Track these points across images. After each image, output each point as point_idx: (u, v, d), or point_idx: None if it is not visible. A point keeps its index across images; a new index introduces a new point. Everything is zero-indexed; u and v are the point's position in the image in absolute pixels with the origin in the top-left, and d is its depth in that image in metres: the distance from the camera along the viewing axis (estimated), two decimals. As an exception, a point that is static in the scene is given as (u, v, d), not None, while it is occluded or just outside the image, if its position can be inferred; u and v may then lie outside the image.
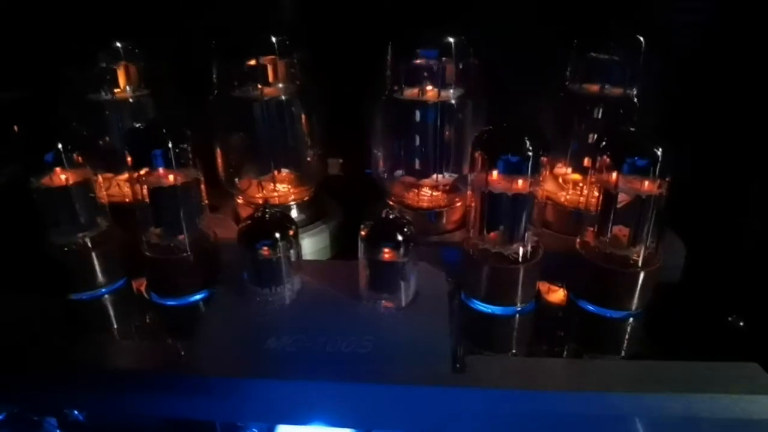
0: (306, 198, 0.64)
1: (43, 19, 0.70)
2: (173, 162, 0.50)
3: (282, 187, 0.64)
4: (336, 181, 0.77)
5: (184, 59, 0.64)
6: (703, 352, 0.45)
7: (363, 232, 0.48)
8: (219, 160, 0.63)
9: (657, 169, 0.46)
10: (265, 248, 0.47)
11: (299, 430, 0.46)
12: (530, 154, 0.46)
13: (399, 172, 0.62)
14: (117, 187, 0.65)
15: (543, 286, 0.55)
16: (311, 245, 0.63)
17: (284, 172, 0.63)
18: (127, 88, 0.62)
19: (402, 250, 0.47)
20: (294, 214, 0.64)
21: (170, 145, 0.50)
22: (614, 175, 0.48)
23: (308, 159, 0.64)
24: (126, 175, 0.64)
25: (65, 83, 0.62)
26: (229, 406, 0.45)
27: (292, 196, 0.64)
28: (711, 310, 0.52)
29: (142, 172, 0.51)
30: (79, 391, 0.47)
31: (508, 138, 0.48)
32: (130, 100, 0.62)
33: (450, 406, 0.42)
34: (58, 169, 0.52)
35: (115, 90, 0.62)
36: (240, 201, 0.64)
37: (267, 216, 0.48)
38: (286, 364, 0.44)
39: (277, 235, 0.48)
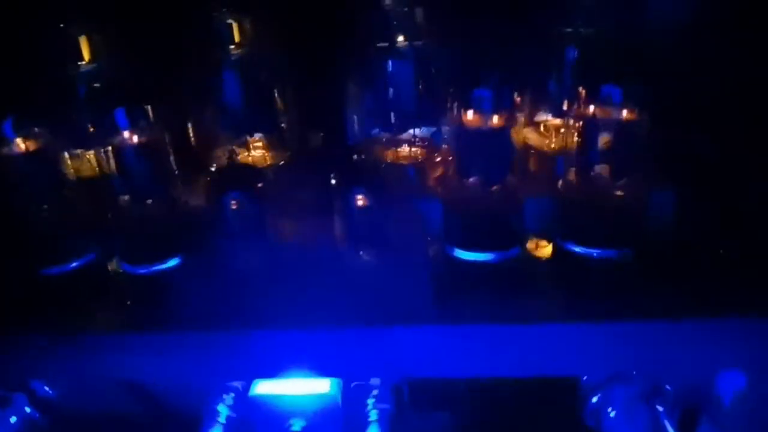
0: (281, 161, 0.63)
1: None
2: (135, 122, 0.49)
3: (256, 153, 0.62)
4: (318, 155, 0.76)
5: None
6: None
7: (335, 179, 0.47)
8: (190, 130, 0.61)
9: (634, 99, 0.45)
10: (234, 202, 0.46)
11: (281, 383, 0.44)
12: (504, 88, 0.45)
13: (375, 131, 0.61)
14: (87, 163, 0.63)
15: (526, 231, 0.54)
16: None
17: (257, 137, 0.62)
18: (89, 58, 0.61)
19: (381, 202, 0.45)
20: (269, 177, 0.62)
21: (131, 103, 0.48)
22: (591, 107, 0.47)
23: (282, 124, 0.62)
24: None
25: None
26: (203, 364, 0.43)
27: (268, 161, 0.62)
28: (702, 245, 0.50)
29: (106, 136, 0.49)
30: (48, 359, 0.46)
31: (481, 75, 0.46)
32: (90, 69, 0.60)
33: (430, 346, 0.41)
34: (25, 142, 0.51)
35: (78, 61, 0.60)
36: (213, 169, 0.62)
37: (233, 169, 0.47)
38: (262, 315, 0.43)
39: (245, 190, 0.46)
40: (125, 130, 0.49)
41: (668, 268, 0.48)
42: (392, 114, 0.59)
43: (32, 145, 0.51)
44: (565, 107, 0.54)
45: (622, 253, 0.49)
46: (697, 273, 0.47)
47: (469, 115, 0.47)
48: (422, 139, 0.59)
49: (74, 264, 0.54)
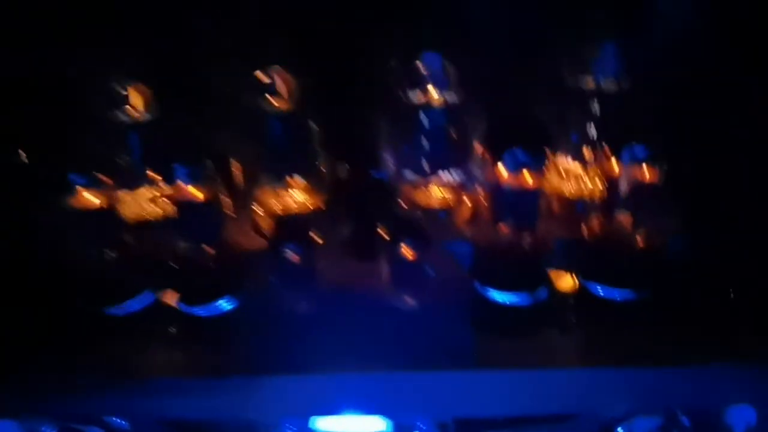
0: (320, 205, 0.67)
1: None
2: (197, 177, 0.53)
3: (296, 195, 0.67)
4: (343, 184, 0.80)
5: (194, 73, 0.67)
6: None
7: (384, 233, 0.51)
8: (234, 171, 0.66)
9: (651, 157, 0.49)
10: (293, 254, 0.50)
11: (333, 421, 0.48)
12: (536, 150, 0.49)
13: (408, 173, 0.65)
14: (137, 202, 0.67)
15: (554, 273, 0.58)
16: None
17: (297, 179, 0.66)
18: (139, 106, 0.65)
19: (422, 249, 0.50)
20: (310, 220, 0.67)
21: (194, 161, 0.52)
22: (614, 163, 0.51)
23: (320, 167, 0.66)
24: (146, 190, 0.67)
25: (78, 102, 0.65)
26: (264, 403, 0.48)
27: (309, 205, 0.66)
28: (714, 288, 0.55)
29: (167, 188, 0.54)
30: (119, 398, 0.50)
31: (513, 136, 0.51)
32: (144, 117, 0.65)
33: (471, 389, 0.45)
34: (85, 190, 0.55)
35: (128, 109, 0.64)
36: (256, 209, 0.67)
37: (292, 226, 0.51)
38: (317, 359, 0.47)
39: (302, 243, 0.51)
40: (183, 180, 0.53)
41: (684, 311, 0.52)
42: (426, 160, 0.63)
43: (95, 195, 0.55)
44: (591, 158, 0.59)
45: (643, 295, 0.53)
46: (710, 316, 0.52)
47: (502, 170, 0.51)
48: (453, 185, 0.64)
49: (135, 306, 0.58)
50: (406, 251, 0.50)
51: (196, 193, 0.54)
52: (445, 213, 0.64)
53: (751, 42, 0.61)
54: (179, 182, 0.54)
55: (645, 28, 0.58)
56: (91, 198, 0.55)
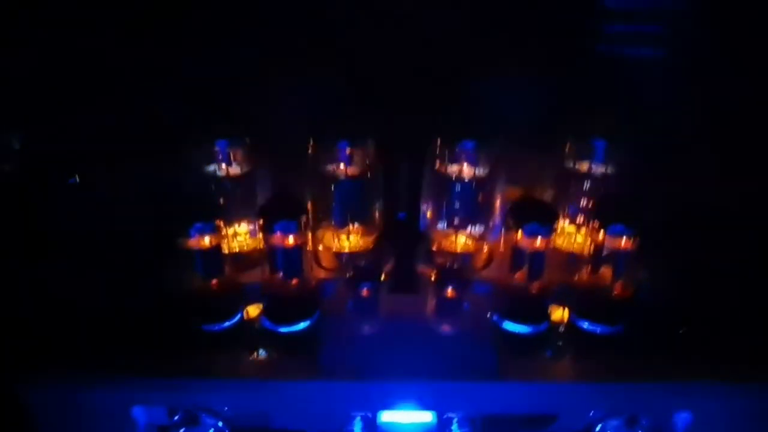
0: (371, 245, 0.85)
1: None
2: (296, 229, 0.71)
3: (353, 238, 0.85)
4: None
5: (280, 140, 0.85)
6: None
7: (433, 276, 0.70)
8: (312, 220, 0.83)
9: (631, 234, 0.69)
10: (366, 290, 0.68)
11: (397, 414, 0.67)
12: (547, 224, 0.69)
13: (441, 225, 0.84)
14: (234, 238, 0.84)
15: (554, 308, 0.77)
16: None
17: (356, 225, 0.84)
18: (236, 163, 0.82)
19: (461, 289, 0.68)
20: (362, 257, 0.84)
21: (295, 218, 0.70)
22: (601, 235, 0.71)
23: (374, 215, 0.85)
24: (244, 228, 0.84)
25: (183, 158, 0.82)
26: (347, 401, 0.66)
27: (362, 245, 0.84)
28: (668, 322, 0.75)
29: (274, 237, 0.71)
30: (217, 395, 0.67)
31: (532, 213, 0.70)
32: (239, 174, 0.82)
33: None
34: (204, 235, 0.72)
35: (228, 166, 0.82)
36: (320, 248, 0.85)
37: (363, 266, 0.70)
38: (379, 368, 0.66)
39: (373, 281, 0.69)
40: (280, 233, 0.71)
41: (650, 341, 0.72)
42: (455, 216, 0.82)
43: (207, 241, 0.72)
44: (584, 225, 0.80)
45: (617, 329, 0.73)
46: (668, 346, 0.72)
47: (522, 238, 0.70)
48: (477, 236, 0.83)
49: (227, 323, 0.75)
50: (444, 289, 0.69)
51: (289, 241, 0.71)
52: (471, 258, 0.82)
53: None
54: (278, 234, 0.71)
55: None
56: (206, 240, 0.72)
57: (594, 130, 0.80)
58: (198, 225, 0.71)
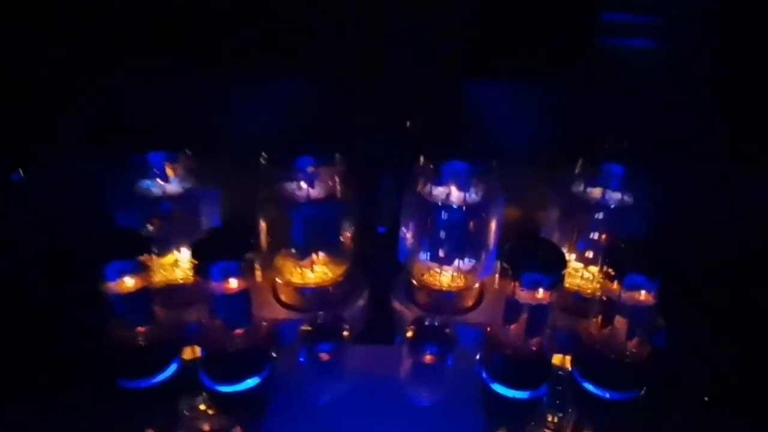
0: (340, 279, 0.71)
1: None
2: (238, 272, 0.57)
3: (319, 269, 0.71)
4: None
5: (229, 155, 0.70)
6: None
7: (408, 333, 0.56)
8: (262, 244, 0.69)
9: (652, 287, 0.56)
10: (324, 354, 0.55)
11: None
12: (552, 274, 0.55)
13: (424, 257, 0.70)
14: (162, 267, 0.70)
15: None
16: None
17: (321, 256, 0.70)
18: (175, 180, 0.67)
19: (442, 355, 0.55)
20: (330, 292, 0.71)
21: (237, 258, 0.56)
22: (615, 285, 0.58)
23: (343, 243, 0.70)
24: (172, 258, 0.70)
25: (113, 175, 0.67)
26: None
27: (329, 278, 0.70)
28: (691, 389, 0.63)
29: (208, 282, 0.57)
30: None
31: (532, 259, 0.56)
32: (178, 192, 0.67)
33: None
34: (125, 276, 0.58)
35: (163, 182, 0.67)
36: (279, 281, 0.71)
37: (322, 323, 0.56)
38: None
39: (332, 343, 0.55)
40: (219, 280, 0.57)
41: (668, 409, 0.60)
42: (441, 248, 0.68)
43: (132, 284, 0.58)
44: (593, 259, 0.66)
45: (631, 395, 0.60)
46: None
47: (519, 288, 0.57)
48: (466, 271, 0.69)
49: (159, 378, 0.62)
50: (421, 352, 0.56)
51: (233, 285, 0.58)
52: (458, 297, 0.69)
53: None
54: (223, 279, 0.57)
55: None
56: (129, 282, 0.58)
57: (609, 151, 0.65)
58: (116, 264, 0.57)
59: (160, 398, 0.62)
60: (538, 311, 0.57)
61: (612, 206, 0.65)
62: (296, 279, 0.70)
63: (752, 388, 0.62)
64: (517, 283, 0.56)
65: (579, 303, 0.68)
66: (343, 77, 0.70)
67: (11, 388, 0.61)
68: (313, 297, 0.69)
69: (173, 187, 0.67)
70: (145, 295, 0.59)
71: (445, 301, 0.70)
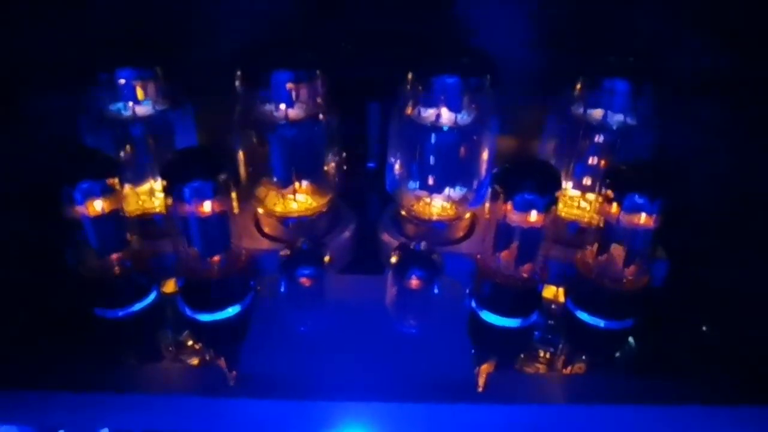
0: (325, 209, 0.68)
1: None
2: (212, 193, 0.53)
3: (302, 198, 0.67)
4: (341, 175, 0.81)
5: (203, 72, 0.65)
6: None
7: (393, 259, 0.53)
8: (241, 173, 0.65)
9: (653, 209, 0.52)
10: (304, 278, 0.52)
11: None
12: (546, 195, 0.51)
13: (413, 185, 0.66)
14: (136, 196, 0.67)
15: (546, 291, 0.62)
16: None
17: (305, 184, 0.66)
18: (146, 102, 0.63)
19: (428, 280, 0.52)
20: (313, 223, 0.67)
21: (210, 178, 0.52)
22: (614, 207, 0.54)
23: (327, 172, 0.67)
24: (147, 186, 0.66)
25: (82, 98, 0.62)
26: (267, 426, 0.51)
27: (312, 208, 0.67)
28: (690, 319, 0.60)
29: (180, 204, 0.53)
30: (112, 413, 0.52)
31: (525, 179, 0.52)
32: (150, 114, 0.63)
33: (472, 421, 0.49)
34: (94, 199, 0.54)
35: (135, 105, 0.62)
36: (261, 211, 0.67)
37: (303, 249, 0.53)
38: (317, 383, 0.50)
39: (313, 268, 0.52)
40: (196, 199, 0.53)
41: (659, 339, 0.58)
42: (431, 175, 0.64)
43: (107, 206, 0.55)
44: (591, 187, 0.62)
45: (626, 324, 0.58)
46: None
47: (511, 211, 0.53)
48: (457, 199, 0.66)
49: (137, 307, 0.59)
50: (406, 277, 0.53)
51: (207, 208, 0.54)
52: (448, 228, 0.66)
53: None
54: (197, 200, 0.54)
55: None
56: (98, 205, 0.55)
57: (612, 69, 0.60)
58: (83, 185, 0.53)
59: (139, 327, 0.59)
60: (530, 236, 0.54)
61: (614, 128, 0.61)
62: (278, 209, 0.66)
63: (749, 319, 0.60)
64: (509, 206, 0.53)
65: (576, 234, 0.65)
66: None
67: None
68: (295, 227, 0.66)
69: (144, 108, 0.63)
70: (116, 219, 0.56)
71: (435, 231, 0.67)
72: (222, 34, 0.67)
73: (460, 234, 0.68)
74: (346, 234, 0.68)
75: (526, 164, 0.56)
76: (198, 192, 0.52)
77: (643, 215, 0.53)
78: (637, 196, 0.52)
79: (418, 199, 0.67)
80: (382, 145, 0.69)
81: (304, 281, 0.52)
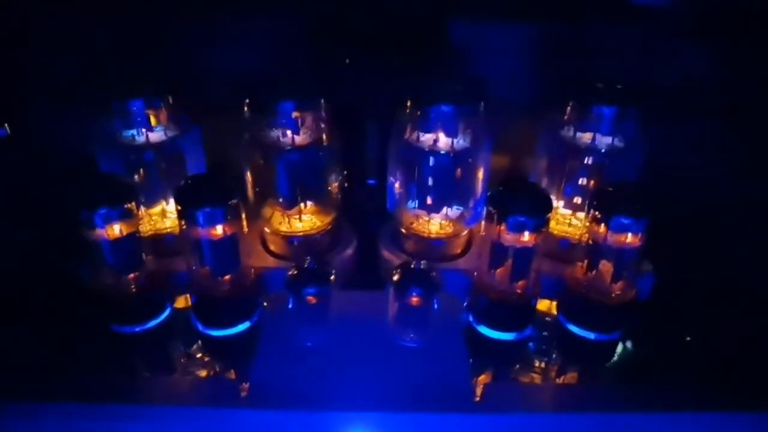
0: (328, 227, 0.71)
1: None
2: (224, 218, 0.56)
3: (306, 218, 0.70)
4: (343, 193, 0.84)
5: (211, 100, 0.68)
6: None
7: (395, 277, 0.57)
8: (248, 194, 0.69)
9: (638, 229, 0.56)
10: (310, 297, 0.55)
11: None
12: (537, 217, 0.55)
13: (412, 205, 0.70)
14: (149, 217, 0.70)
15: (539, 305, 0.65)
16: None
17: (309, 204, 0.70)
18: (159, 128, 0.66)
19: (428, 297, 0.55)
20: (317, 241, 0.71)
21: (222, 204, 0.55)
22: (602, 228, 0.58)
23: (330, 192, 0.70)
24: (159, 208, 0.70)
25: (97, 124, 0.66)
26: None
27: (317, 227, 0.70)
28: (676, 329, 0.64)
29: (194, 227, 0.57)
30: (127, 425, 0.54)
31: (518, 202, 0.56)
32: (162, 140, 0.66)
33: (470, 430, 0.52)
34: (113, 223, 0.57)
35: (148, 132, 0.66)
36: (267, 230, 0.71)
37: (310, 269, 0.56)
38: (320, 394, 0.53)
39: (319, 286, 0.56)
40: (209, 223, 0.57)
41: (651, 354, 0.61)
42: (429, 195, 0.68)
43: (124, 229, 0.58)
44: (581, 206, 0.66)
45: (615, 337, 0.61)
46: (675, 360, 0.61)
47: (505, 231, 0.56)
48: (454, 218, 0.69)
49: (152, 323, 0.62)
50: (407, 294, 0.56)
51: (219, 231, 0.57)
52: (446, 245, 0.69)
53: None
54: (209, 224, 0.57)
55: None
56: (116, 229, 0.58)
57: (601, 95, 0.64)
58: (102, 211, 0.57)
59: (154, 342, 0.63)
60: (523, 254, 0.57)
61: (602, 150, 0.64)
62: (284, 228, 0.70)
63: (734, 330, 0.63)
64: (503, 227, 0.56)
65: (567, 250, 0.68)
66: (327, 17, 0.68)
67: (6, 337, 0.62)
68: (301, 246, 0.69)
69: (156, 135, 0.66)
70: (133, 241, 0.59)
71: (433, 248, 0.70)
72: (227, 62, 0.70)
73: (458, 250, 0.71)
74: (349, 251, 0.72)
75: (519, 187, 0.59)
76: (210, 217, 0.56)
77: (629, 235, 0.57)
78: (623, 217, 0.56)
79: (417, 217, 0.70)
80: (381, 162, 0.72)
81: (311, 299, 0.55)
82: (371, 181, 0.84)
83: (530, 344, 0.63)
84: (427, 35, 0.71)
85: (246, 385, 0.56)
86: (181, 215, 0.57)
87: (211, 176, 0.62)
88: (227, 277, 0.61)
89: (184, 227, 0.57)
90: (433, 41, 0.70)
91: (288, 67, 0.70)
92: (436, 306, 0.57)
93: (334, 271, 0.57)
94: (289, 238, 0.70)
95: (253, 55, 0.71)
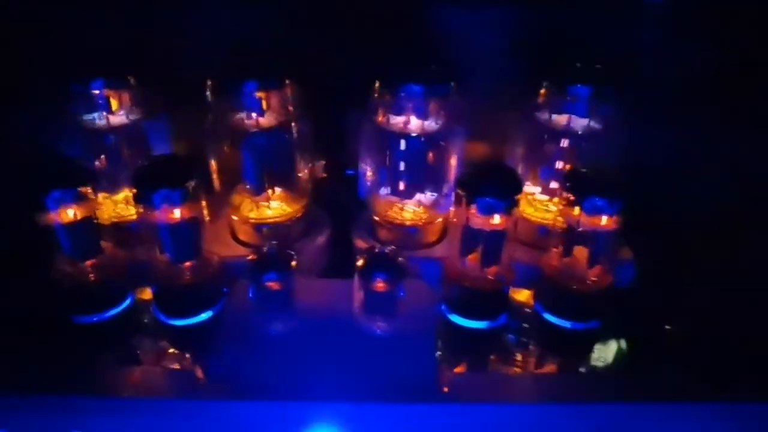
0: (299, 214, 0.69)
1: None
2: (181, 200, 0.54)
3: (276, 205, 0.68)
4: (319, 183, 0.82)
5: (177, 82, 0.66)
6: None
7: (359, 262, 0.54)
8: (214, 179, 0.67)
9: (613, 210, 0.53)
10: (271, 283, 0.53)
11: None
12: (507, 198, 0.53)
13: (384, 191, 0.68)
14: (113, 204, 0.68)
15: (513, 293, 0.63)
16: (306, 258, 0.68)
17: (278, 191, 0.68)
18: (121, 112, 0.64)
19: (394, 283, 0.53)
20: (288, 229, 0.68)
21: (179, 186, 0.53)
22: (576, 210, 0.55)
23: (300, 178, 0.68)
24: (123, 195, 0.68)
25: (56, 107, 0.63)
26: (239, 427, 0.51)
27: (286, 214, 0.68)
28: (654, 318, 0.61)
29: (150, 211, 0.54)
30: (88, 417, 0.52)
31: (486, 183, 0.54)
32: (124, 123, 0.64)
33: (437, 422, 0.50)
34: (67, 207, 0.55)
35: (109, 115, 0.63)
36: (235, 218, 0.68)
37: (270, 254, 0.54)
38: (285, 384, 0.51)
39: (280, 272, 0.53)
40: (166, 206, 0.54)
41: (629, 343, 0.59)
42: (402, 181, 0.66)
43: (79, 213, 0.56)
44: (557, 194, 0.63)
45: (592, 325, 0.59)
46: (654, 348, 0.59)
47: (475, 214, 0.54)
48: (428, 204, 0.67)
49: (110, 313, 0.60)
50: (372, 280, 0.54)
51: (177, 215, 0.55)
52: (419, 232, 0.67)
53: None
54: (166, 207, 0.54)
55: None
56: (71, 213, 0.56)
57: (577, 75, 0.62)
58: (55, 194, 0.54)
59: (114, 333, 0.60)
60: (493, 238, 0.55)
61: (579, 132, 0.62)
62: (253, 215, 0.68)
63: (715, 316, 0.61)
64: (471, 210, 0.54)
65: (544, 237, 0.66)
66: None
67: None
68: (270, 234, 0.67)
69: (118, 118, 0.64)
70: (89, 226, 0.57)
71: (407, 236, 0.68)
72: (195, 43, 0.68)
73: (433, 238, 0.69)
74: (321, 239, 0.70)
75: (487, 168, 0.57)
76: (166, 199, 0.53)
77: (604, 217, 0.54)
78: (596, 198, 0.54)
79: (390, 204, 0.68)
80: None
81: (272, 285, 0.53)
82: (350, 171, 0.82)
83: (504, 333, 0.60)
84: (400, 18, 0.69)
85: (207, 376, 0.53)
86: (137, 198, 0.55)
87: (171, 159, 0.60)
88: (187, 264, 0.58)
89: (141, 211, 0.55)
90: (406, 24, 0.68)
91: (257, 50, 0.67)
92: (402, 293, 0.54)
93: (296, 256, 0.55)
94: (257, 226, 0.67)
95: (224, 37, 0.68)
